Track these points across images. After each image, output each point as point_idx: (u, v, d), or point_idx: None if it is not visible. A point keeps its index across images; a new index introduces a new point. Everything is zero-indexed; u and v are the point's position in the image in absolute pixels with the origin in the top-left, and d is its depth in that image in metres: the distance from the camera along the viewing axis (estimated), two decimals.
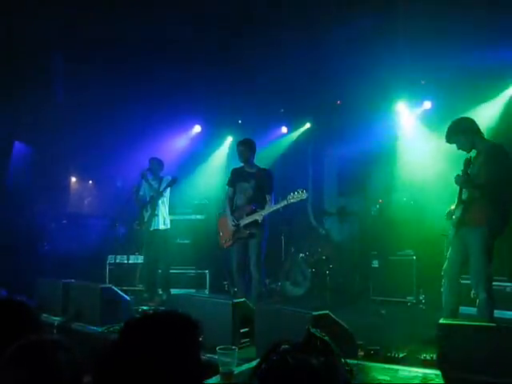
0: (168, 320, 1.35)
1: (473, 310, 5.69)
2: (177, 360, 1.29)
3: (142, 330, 1.31)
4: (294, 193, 5.46)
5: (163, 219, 7.09)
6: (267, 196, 5.75)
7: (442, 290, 4.71)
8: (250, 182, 5.85)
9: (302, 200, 5.47)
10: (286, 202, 5.52)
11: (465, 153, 4.55)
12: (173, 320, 1.35)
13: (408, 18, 6.12)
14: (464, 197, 4.46)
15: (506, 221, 4.31)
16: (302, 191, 5.41)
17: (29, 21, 6.61)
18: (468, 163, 4.33)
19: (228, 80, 8.01)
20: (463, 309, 5.81)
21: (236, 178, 6.01)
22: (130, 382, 1.24)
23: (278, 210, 5.72)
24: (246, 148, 5.90)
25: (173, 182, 6.89)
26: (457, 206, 4.49)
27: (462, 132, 4.48)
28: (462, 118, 4.74)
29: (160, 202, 7.01)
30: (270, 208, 5.67)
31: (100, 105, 8.67)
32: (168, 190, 7.09)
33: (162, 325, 1.33)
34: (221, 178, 9.55)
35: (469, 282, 5.85)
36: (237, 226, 5.78)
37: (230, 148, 9.63)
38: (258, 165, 6.03)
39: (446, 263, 4.65)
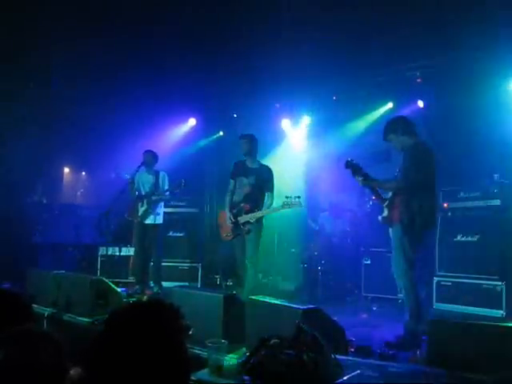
0: (153, 309, 1.34)
1: (460, 308, 5.80)
2: (163, 348, 1.28)
3: (128, 320, 1.31)
4: (291, 198, 5.41)
5: (159, 215, 7.11)
6: (267, 194, 5.74)
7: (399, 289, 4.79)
8: (249, 177, 5.83)
9: (297, 207, 5.46)
10: (281, 208, 5.53)
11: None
12: (157, 309, 1.34)
13: (404, 14, 6.12)
14: (389, 195, 4.63)
15: (422, 218, 4.34)
16: (299, 199, 5.39)
17: (26, 12, 6.58)
18: (351, 165, 4.60)
19: (223, 74, 7.99)
20: (453, 307, 5.90)
21: (236, 171, 5.98)
22: (118, 371, 1.23)
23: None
24: (246, 141, 5.89)
25: (179, 186, 6.79)
26: (382, 205, 4.65)
27: (392, 132, 4.63)
28: (395, 117, 4.91)
29: (159, 198, 7.02)
30: (266, 211, 5.70)
31: (94, 96, 8.63)
32: (166, 185, 7.10)
33: (147, 313, 1.32)
34: (214, 172, 9.57)
35: (461, 280, 5.96)
36: (235, 223, 5.79)
37: (223, 141, 9.63)
38: (259, 160, 5.99)
39: (392, 263, 4.71)
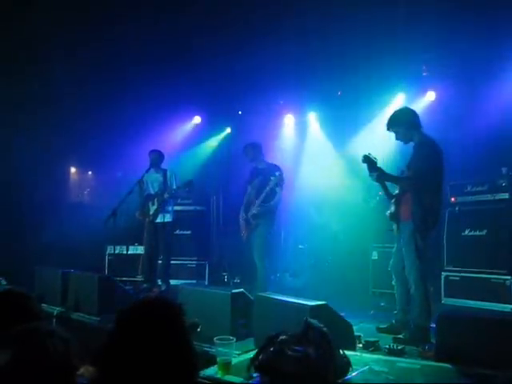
0: (158, 307, 1.33)
1: (469, 303, 5.77)
2: (170, 345, 1.27)
3: (134, 318, 1.30)
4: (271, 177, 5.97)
5: (169, 213, 7.14)
6: (277, 189, 6.04)
7: (392, 283, 4.71)
8: (259, 177, 6.22)
9: (277, 181, 5.92)
10: (267, 188, 5.97)
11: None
12: (163, 306, 1.34)
13: (410, 7, 6.07)
14: (396, 192, 4.58)
15: (432, 216, 4.33)
16: (274, 173, 5.93)
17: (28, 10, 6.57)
18: (368, 160, 4.37)
19: (228, 71, 7.97)
20: (462, 302, 5.88)
21: (250, 176, 6.43)
22: (127, 370, 1.23)
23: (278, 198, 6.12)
24: (248, 150, 6.36)
25: (188, 185, 6.87)
26: (390, 201, 4.61)
27: (402, 124, 4.52)
28: (404, 109, 4.80)
29: (169, 196, 7.05)
30: (260, 199, 6.05)
31: (100, 95, 8.63)
32: (174, 183, 7.12)
33: (153, 312, 1.32)
34: (220, 170, 9.55)
35: (470, 275, 5.93)
36: (246, 219, 6.18)
37: (229, 139, 9.65)
38: (267, 161, 6.43)
39: (392, 258, 4.67)
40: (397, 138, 4.62)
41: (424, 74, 7.32)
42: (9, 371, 1.37)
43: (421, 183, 4.30)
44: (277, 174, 6.02)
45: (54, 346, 1.45)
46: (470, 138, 6.57)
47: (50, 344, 1.45)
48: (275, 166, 6.30)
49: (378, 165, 4.37)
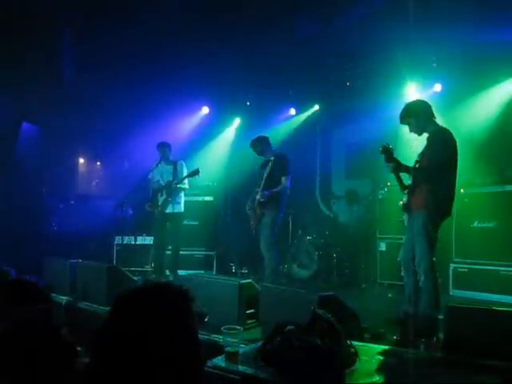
0: (160, 291, 1.31)
1: (477, 295, 5.75)
2: (172, 331, 1.25)
3: (133, 303, 1.28)
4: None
5: (179, 204, 7.17)
6: (282, 178, 6.05)
7: (402, 274, 4.69)
8: (266, 168, 6.19)
9: (272, 165, 5.98)
10: (265, 175, 6.03)
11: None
12: (165, 291, 1.31)
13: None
14: (409, 182, 4.55)
15: (446, 205, 4.33)
16: (270, 159, 6.06)
17: None
18: (386, 150, 4.30)
19: (236, 62, 7.93)
20: (470, 293, 5.86)
21: (260, 168, 6.42)
22: (125, 357, 1.20)
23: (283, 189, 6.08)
24: (254, 145, 6.35)
25: (195, 173, 6.92)
26: (403, 192, 4.58)
27: (414, 115, 4.51)
28: (417, 101, 4.80)
29: (178, 187, 7.07)
30: (261, 187, 6.07)
31: (108, 86, 8.64)
32: (185, 174, 7.15)
33: (153, 296, 1.29)
34: (228, 160, 9.56)
35: (478, 267, 5.91)
36: (252, 209, 6.18)
37: (237, 129, 9.65)
38: (275, 151, 6.40)
39: (402, 249, 4.65)
40: (411, 130, 4.60)
41: (434, 65, 7.25)
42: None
43: (435, 173, 4.28)
44: (271, 158, 6.06)
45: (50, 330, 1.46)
46: (479, 128, 6.52)
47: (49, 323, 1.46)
48: (281, 155, 6.24)
49: (395, 156, 4.35)
